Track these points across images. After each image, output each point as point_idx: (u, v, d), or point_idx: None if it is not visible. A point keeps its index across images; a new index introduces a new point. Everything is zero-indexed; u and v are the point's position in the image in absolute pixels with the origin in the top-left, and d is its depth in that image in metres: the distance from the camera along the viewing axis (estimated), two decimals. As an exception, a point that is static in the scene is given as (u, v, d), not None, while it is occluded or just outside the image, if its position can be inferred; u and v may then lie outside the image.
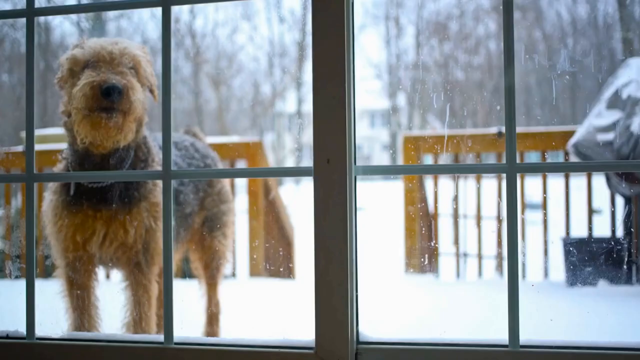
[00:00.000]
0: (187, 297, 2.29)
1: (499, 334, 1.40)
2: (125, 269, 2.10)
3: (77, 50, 1.99)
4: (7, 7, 1.94)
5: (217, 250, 2.56)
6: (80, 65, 1.96)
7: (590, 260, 3.13)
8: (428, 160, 4.37)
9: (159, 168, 2.08)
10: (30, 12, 1.58)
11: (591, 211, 3.86)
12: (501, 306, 1.44)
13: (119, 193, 2.01)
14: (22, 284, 1.63)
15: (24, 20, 1.58)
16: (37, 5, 1.60)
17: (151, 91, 2.10)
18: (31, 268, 1.59)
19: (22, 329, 1.61)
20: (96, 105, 1.88)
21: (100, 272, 2.24)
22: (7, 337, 1.62)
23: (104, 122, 1.90)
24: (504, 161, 1.40)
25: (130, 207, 2.03)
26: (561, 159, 3.95)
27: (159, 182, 2.06)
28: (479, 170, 1.73)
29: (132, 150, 2.05)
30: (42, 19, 5.11)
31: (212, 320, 2.61)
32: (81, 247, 2.03)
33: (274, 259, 4.65)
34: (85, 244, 2.02)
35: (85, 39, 2.04)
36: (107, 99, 1.87)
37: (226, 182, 2.71)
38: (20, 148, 3.94)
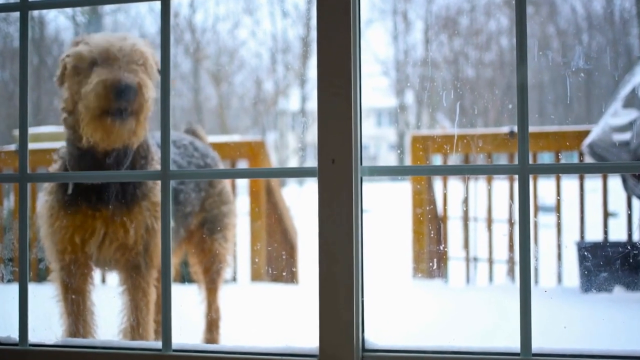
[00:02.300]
0: (186, 302, 2.26)
1: (511, 342, 1.37)
2: (123, 271, 2.06)
3: (83, 46, 1.95)
4: (0, 0, 1.90)
5: (217, 253, 2.52)
6: (87, 62, 1.92)
7: (606, 265, 3.07)
8: (437, 160, 4.32)
9: (159, 167, 2.04)
10: (24, 6, 1.54)
11: (607, 214, 3.80)
12: (512, 313, 1.41)
13: (117, 191, 1.97)
14: (14, 288, 1.60)
15: (16, 13, 1.54)
16: (30, -2, 1.56)
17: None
18: (24, 271, 1.56)
19: (14, 335, 1.58)
20: (109, 105, 1.85)
21: (96, 276, 2.20)
22: (0, 343, 1.58)
23: (117, 129, 1.87)
24: (516, 162, 1.36)
25: (130, 206, 1.99)
26: (575, 160, 3.90)
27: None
28: (490, 171, 1.68)
29: (132, 148, 2.01)
30: (35, 12, 5.10)
31: (212, 326, 2.57)
32: (79, 249, 1.99)
33: (276, 263, 4.62)
34: (84, 244, 1.98)
35: (86, 35, 2.00)
36: (121, 99, 1.82)
37: (227, 182, 2.68)
38: (12, 147, 3.94)
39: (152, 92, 1.93)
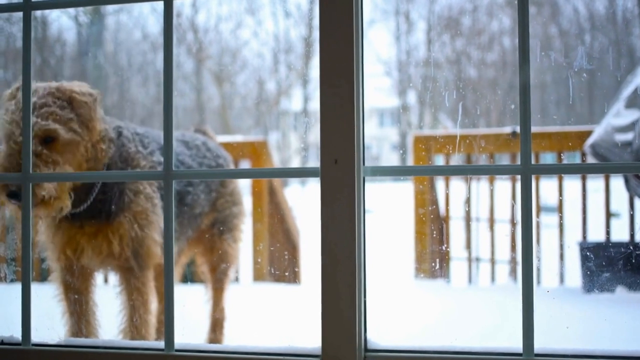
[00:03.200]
0: (189, 302, 2.25)
1: (513, 342, 1.37)
2: (119, 272, 2.08)
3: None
4: (3, 0, 1.90)
5: (226, 254, 2.53)
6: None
7: (608, 265, 3.07)
8: (439, 160, 4.32)
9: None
10: (28, 6, 1.54)
11: (609, 214, 3.79)
12: (515, 313, 1.41)
13: (98, 211, 1.99)
14: (17, 287, 1.59)
15: (19, 13, 1.54)
16: (34, -2, 1.56)
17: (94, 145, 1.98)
18: (27, 271, 1.55)
19: (17, 335, 1.58)
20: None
21: (98, 275, 2.22)
22: (2, 343, 1.58)
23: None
24: (518, 162, 1.35)
25: (111, 221, 2.01)
26: (578, 160, 3.89)
27: (143, 191, 2.04)
28: (492, 171, 1.68)
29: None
30: (38, 12, 5.11)
31: (216, 326, 2.57)
32: (73, 257, 2.04)
33: (278, 263, 4.62)
34: (75, 256, 2.03)
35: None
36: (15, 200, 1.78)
37: (236, 182, 2.68)
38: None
39: (60, 167, 1.85)
